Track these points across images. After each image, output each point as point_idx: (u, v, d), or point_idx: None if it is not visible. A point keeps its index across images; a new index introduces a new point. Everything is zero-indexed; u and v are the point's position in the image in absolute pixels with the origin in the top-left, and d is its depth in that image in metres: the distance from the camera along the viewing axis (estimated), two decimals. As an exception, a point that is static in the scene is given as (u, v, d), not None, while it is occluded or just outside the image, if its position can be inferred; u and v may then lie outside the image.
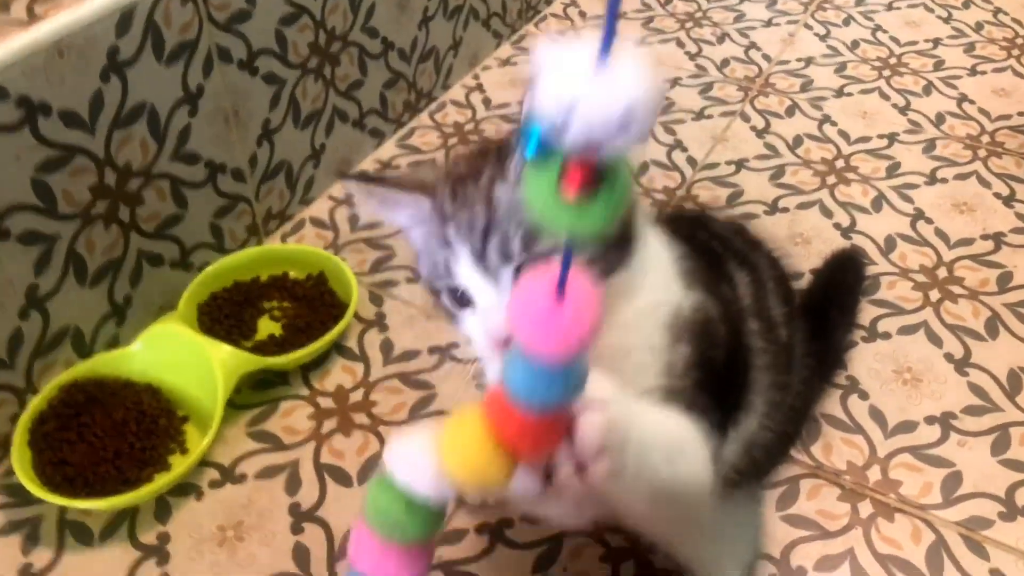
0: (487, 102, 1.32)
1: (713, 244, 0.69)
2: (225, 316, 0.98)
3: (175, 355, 0.89)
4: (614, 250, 0.53)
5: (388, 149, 1.23)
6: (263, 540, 0.80)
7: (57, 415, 0.84)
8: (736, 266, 0.67)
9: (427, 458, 0.46)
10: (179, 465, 0.82)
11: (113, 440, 0.84)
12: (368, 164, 1.20)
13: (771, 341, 0.66)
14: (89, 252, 0.86)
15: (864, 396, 0.92)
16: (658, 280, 0.57)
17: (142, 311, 0.94)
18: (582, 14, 1.52)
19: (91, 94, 0.80)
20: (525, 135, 0.34)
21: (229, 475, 0.85)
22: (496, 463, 0.44)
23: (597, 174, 0.34)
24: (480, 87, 1.35)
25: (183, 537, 0.80)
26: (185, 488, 0.84)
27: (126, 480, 0.81)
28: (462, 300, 0.55)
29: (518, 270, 0.52)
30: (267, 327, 0.98)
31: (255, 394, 0.92)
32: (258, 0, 0.94)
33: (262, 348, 0.95)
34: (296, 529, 0.81)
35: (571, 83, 0.32)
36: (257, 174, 1.04)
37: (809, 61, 1.41)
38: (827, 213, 1.13)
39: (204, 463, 0.86)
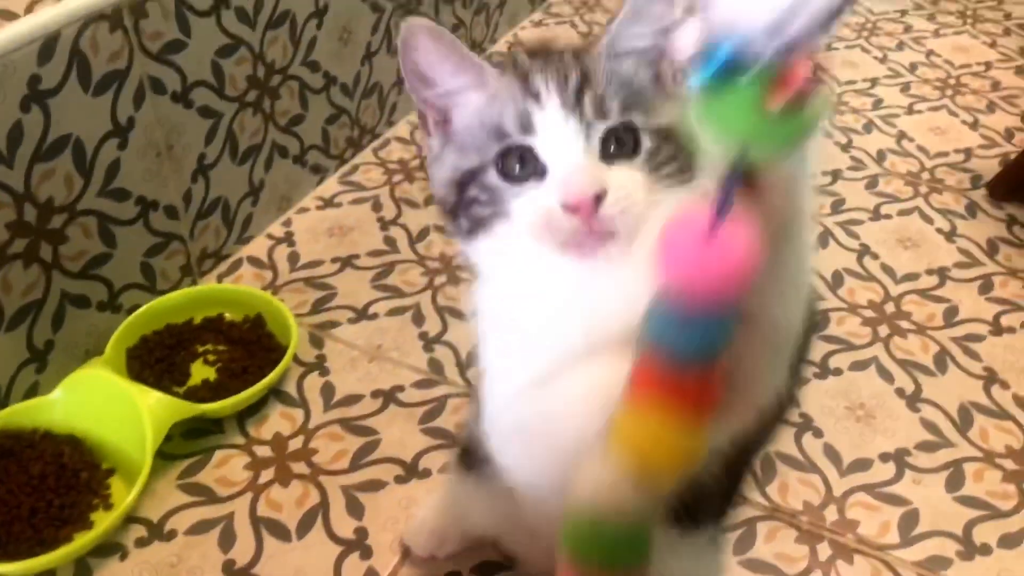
0: (432, 138, 1.30)
1: None
2: (156, 360, 0.92)
3: (100, 403, 0.84)
4: None
5: (331, 186, 1.20)
6: (193, 602, 0.74)
7: (-33, 470, 0.78)
8: None
9: (607, 471, 0.41)
10: (101, 523, 0.76)
11: (29, 497, 0.78)
12: (309, 202, 1.17)
13: None
14: (6, 293, 0.80)
15: (818, 434, 0.90)
16: None
17: (65, 356, 0.88)
18: (527, 52, 1.52)
19: (10, 125, 0.75)
20: (704, 59, 0.33)
21: (157, 532, 0.79)
22: (680, 433, 0.40)
23: (805, 80, 0.33)
24: (425, 123, 1.33)
25: (105, 601, 0.74)
26: (108, 548, 0.78)
27: (42, 540, 0.75)
28: (519, 173, 0.49)
29: (606, 141, 0.48)
30: (201, 372, 0.93)
31: (187, 443, 0.87)
32: (193, 30, 0.90)
33: (195, 394, 0.89)
34: (230, 589, 0.75)
35: None
36: (192, 211, 0.99)
37: (752, 99, 1.42)
38: (775, 249, 1.13)
39: (130, 519, 0.80)
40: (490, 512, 0.67)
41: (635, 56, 0.51)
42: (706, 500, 0.64)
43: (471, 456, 0.65)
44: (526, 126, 0.49)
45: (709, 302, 0.37)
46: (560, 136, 0.48)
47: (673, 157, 0.49)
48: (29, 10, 0.76)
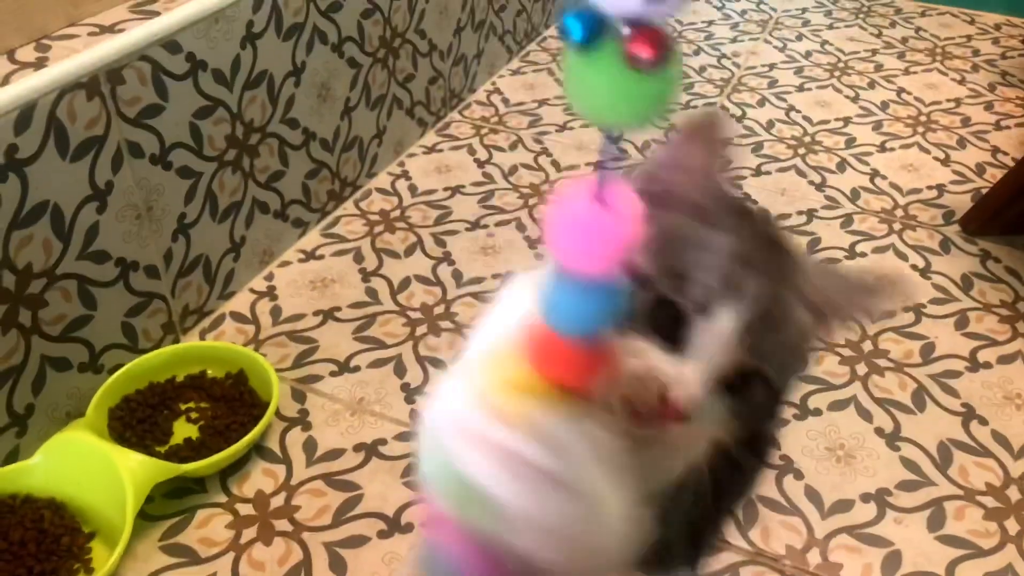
0: (413, 189, 1.31)
1: None
2: (138, 421, 0.92)
3: (80, 466, 0.83)
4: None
5: (312, 239, 1.21)
6: (175, 667, 0.74)
7: (-54, 539, 0.78)
8: None
9: (474, 413, 0.41)
10: (82, 589, 0.76)
11: (9, 564, 0.78)
12: (291, 255, 1.18)
13: None
14: (-15, 360, 0.81)
15: (799, 476, 0.91)
16: None
17: (46, 420, 0.88)
18: (505, 101, 1.54)
19: (-12, 195, 0.76)
20: (570, 23, 0.33)
21: (139, 595, 0.79)
22: (543, 396, 0.41)
23: (663, 39, 0.33)
24: (406, 174, 1.35)
25: (85, 669, 0.73)
26: (89, 613, 0.77)
27: (22, 608, 0.75)
28: None
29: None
30: (183, 430, 0.93)
31: (169, 503, 0.87)
32: (171, 94, 0.92)
33: (177, 453, 0.90)
34: (211, 652, 0.75)
35: None
36: (172, 270, 1.00)
37: (727, 141, 1.45)
38: (753, 290, 1.14)
39: (111, 583, 0.79)
40: None
41: None
42: (671, 547, 0.64)
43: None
44: None
45: (600, 268, 0.37)
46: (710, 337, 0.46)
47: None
48: (6, 81, 0.77)
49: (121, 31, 0.86)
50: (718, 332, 0.43)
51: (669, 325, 0.44)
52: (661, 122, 0.37)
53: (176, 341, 1.03)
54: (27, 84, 0.77)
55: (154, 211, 0.95)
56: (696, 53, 1.72)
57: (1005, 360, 1.05)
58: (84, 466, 0.83)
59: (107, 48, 0.83)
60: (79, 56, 0.81)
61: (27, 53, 0.82)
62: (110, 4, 0.90)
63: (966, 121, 1.52)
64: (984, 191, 1.29)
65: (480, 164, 1.37)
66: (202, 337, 1.05)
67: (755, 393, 0.45)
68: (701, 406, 0.43)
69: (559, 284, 0.39)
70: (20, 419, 0.86)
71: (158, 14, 0.90)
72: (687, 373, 0.43)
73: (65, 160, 0.82)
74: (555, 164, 1.38)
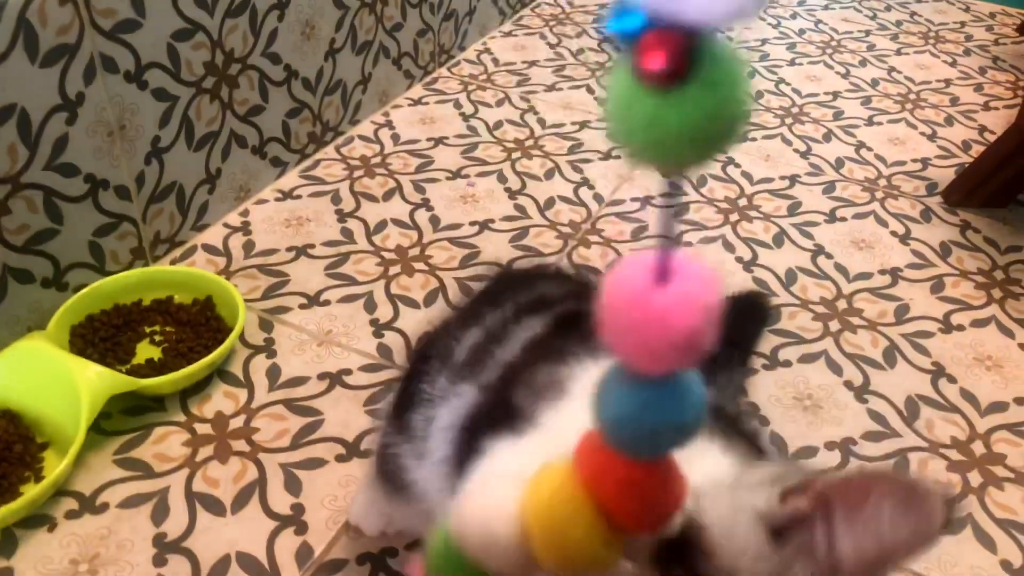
0: (396, 138, 1.30)
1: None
2: (101, 339, 0.91)
3: (37, 376, 0.82)
4: None
5: (291, 179, 1.20)
6: (119, 573, 0.73)
7: None
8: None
9: (505, 526, 0.35)
10: (27, 492, 0.75)
11: (-41, 467, 0.77)
12: (268, 194, 1.17)
13: None
14: (-56, 262, 0.80)
15: (764, 423, 0.90)
16: None
17: (5, 331, 0.87)
18: (495, 60, 1.54)
19: (-48, 89, 0.75)
20: (616, 16, 0.26)
21: (89, 505, 0.78)
22: (596, 537, 0.33)
23: (687, 51, 0.25)
24: (390, 124, 1.34)
25: (28, 572, 0.72)
26: (36, 519, 0.76)
27: (-32, 509, 0.74)
28: None
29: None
30: (146, 351, 0.92)
31: (127, 420, 0.86)
32: (148, 11, 0.91)
33: (138, 372, 0.89)
34: (159, 561, 0.74)
35: None
36: (144, 194, 0.99)
37: (715, 108, 1.44)
38: (729, 248, 1.13)
39: (62, 492, 0.78)
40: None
41: None
42: None
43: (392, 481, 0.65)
44: None
45: (663, 366, 0.29)
46: None
47: None
48: (-24, -24, 0.76)
49: (99, -60, 0.85)
50: None
51: None
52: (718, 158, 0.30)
53: (145, 267, 1.02)
54: (-2, -19, 0.76)
55: (127, 130, 0.94)
56: (689, 25, 1.71)
57: (978, 324, 1.04)
58: (41, 376, 0.82)
59: (82, -46, 0.82)
60: (53, -41, 0.80)
61: (1, -46, 0.81)
62: (90, -85, 0.89)
63: (955, 100, 1.51)
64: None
65: (465, 118, 1.37)
66: (171, 265, 1.04)
67: None
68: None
69: (621, 389, 0.31)
70: (-21, 328, 0.85)
71: (138, -73, 0.89)
72: None
73: (34, 65, 0.81)
74: (541, 122, 1.37)
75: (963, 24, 1.80)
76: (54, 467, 0.79)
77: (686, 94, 0.26)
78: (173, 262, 1.05)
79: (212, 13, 0.99)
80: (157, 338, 0.94)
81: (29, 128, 0.83)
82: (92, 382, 0.81)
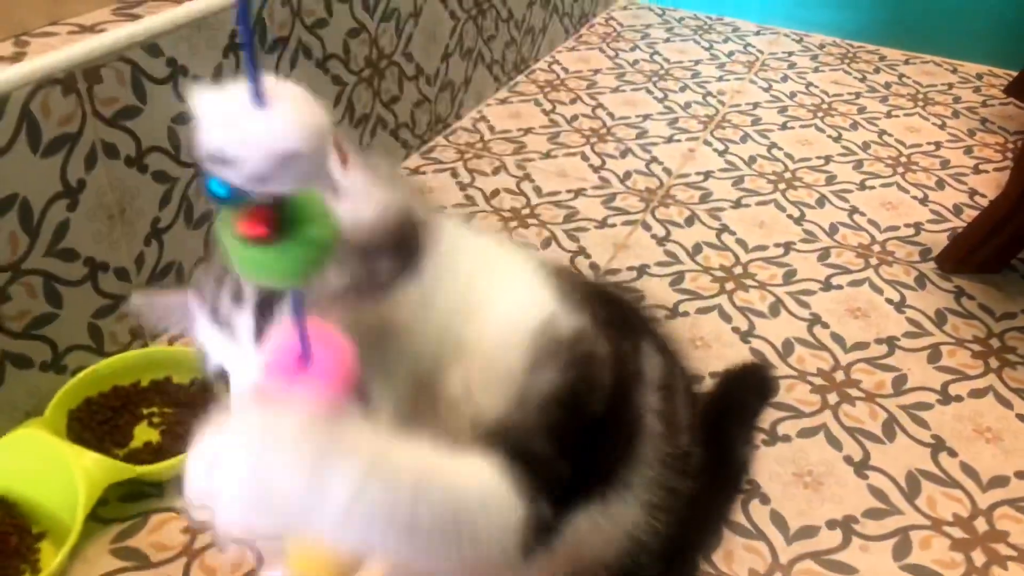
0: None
1: (631, 316, 0.67)
2: (98, 423, 0.91)
3: (33, 465, 0.82)
4: (385, 262, 0.47)
5: (289, 253, 1.20)
6: (115, 671, 0.72)
7: None
8: (650, 344, 0.64)
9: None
10: (25, 587, 0.74)
11: (-47, 560, 0.76)
12: (267, 267, 1.17)
13: (671, 441, 0.63)
14: (-57, 352, 0.80)
15: (765, 500, 0.90)
16: (504, 291, 0.53)
17: (4, 418, 0.87)
18: (491, 128, 1.56)
19: (-45, 183, 0.76)
20: (206, 179, 0.33)
21: (84, 598, 0.77)
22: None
23: (274, 216, 0.33)
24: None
25: (23, 670, 0.71)
26: (32, 614, 0.75)
27: (-37, 606, 0.73)
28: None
29: (262, 314, 0.48)
30: (144, 434, 0.92)
31: (124, 507, 0.85)
32: (149, 97, 0.92)
33: (136, 456, 0.88)
34: (155, 657, 0.73)
35: (222, 124, 0.32)
36: (144, 274, 1.00)
37: (708, 175, 1.46)
38: (726, 318, 1.14)
39: (58, 585, 0.78)
40: None
41: None
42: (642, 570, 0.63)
43: None
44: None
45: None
46: (214, 342, 0.52)
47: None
48: (-19, 73, 0.78)
49: (102, 31, 0.87)
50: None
51: None
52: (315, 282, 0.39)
53: (144, 346, 1.02)
54: (2, 76, 0.78)
55: (127, 214, 0.95)
56: (682, 90, 1.74)
57: (976, 394, 1.05)
58: (37, 464, 0.82)
59: (86, 46, 0.84)
60: (57, 52, 0.82)
61: (5, 48, 0.82)
62: (94, 5, 0.91)
63: (945, 163, 1.53)
64: (961, 231, 1.30)
65: (462, 187, 1.38)
66: (171, 343, 1.04)
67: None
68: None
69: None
70: (-24, 415, 0.85)
71: (141, 17, 0.91)
72: None
73: (36, 155, 0.82)
74: (537, 190, 1.38)
75: (951, 85, 1.83)
76: (51, 559, 0.78)
77: (283, 248, 0.34)
78: (171, 340, 1.05)
79: (212, 95, 1.00)
80: (155, 420, 0.94)
81: (31, 216, 0.84)
82: (89, 471, 0.80)
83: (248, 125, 0.31)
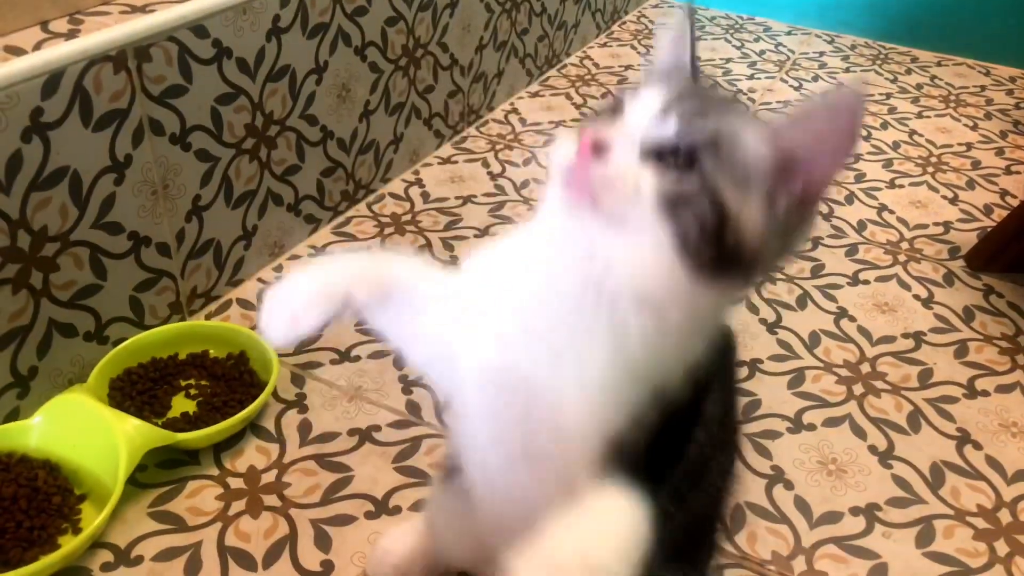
0: (426, 195, 1.34)
1: None
2: (138, 392, 0.94)
3: (77, 429, 0.85)
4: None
5: (323, 235, 1.23)
6: (153, 627, 0.74)
7: (-60, 488, 0.79)
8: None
9: None
10: (66, 545, 0.77)
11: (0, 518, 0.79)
12: (302, 249, 1.20)
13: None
14: (-6, 317, 0.83)
15: (789, 486, 0.91)
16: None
17: (48, 384, 0.90)
18: (522, 120, 1.57)
19: (10, 153, 0.79)
20: None
21: (124, 557, 0.79)
22: None
23: None
24: (420, 182, 1.37)
25: (65, 623, 0.74)
26: (74, 571, 0.78)
27: (7, 561, 0.75)
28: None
29: (663, 151, 0.47)
30: (181, 404, 0.95)
31: (162, 472, 0.88)
32: (195, 77, 0.95)
33: (174, 425, 0.91)
34: (191, 615, 0.75)
35: None
36: (184, 250, 1.02)
37: (738, 169, 1.47)
38: (753, 310, 1.15)
39: (98, 544, 0.80)
40: (448, 524, 0.67)
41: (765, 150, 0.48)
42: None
43: (449, 471, 0.67)
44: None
45: None
46: (638, 106, 0.48)
47: (712, 246, 0.46)
48: (37, 47, 0.80)
49: (152, 11, 0.90)
50: (644, 103, 0.48)
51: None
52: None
53: (182, 320, 1.05)
54: (57, 52, 0.80)
55: (170, 189, 0.97)
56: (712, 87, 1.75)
57: (1003, 390, 1.05)
58: (81, 428, 0.85)
59: (137, 25, 0.87)
60: (110, 30, 0.85)
61: (60, 25, 0.85)
62: (144, -13, 0.93)
63: (976, 164, 1.53)
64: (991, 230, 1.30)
65: (493, 177, 1.40)
66: (207, 320, 1.07)
67: (688, 180, 0.46)
68: (631, 170, 0.46)
69: None
70: (23, 380, 0.87)
71: (189, -1, 0.93)
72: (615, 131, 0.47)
73: (88, 129, 0.85)
74: (566, 181, 1.40)
75: (983, 88, 1.83)
76: (91, 519, 0.81)
77: None
78: (208, 316, 1.07)
79: (254, 78, 1.03)
80: (192, 392, 0.96)
81: (80, 188, 0.86)
82: (130, 436, 0.83)
83: None
